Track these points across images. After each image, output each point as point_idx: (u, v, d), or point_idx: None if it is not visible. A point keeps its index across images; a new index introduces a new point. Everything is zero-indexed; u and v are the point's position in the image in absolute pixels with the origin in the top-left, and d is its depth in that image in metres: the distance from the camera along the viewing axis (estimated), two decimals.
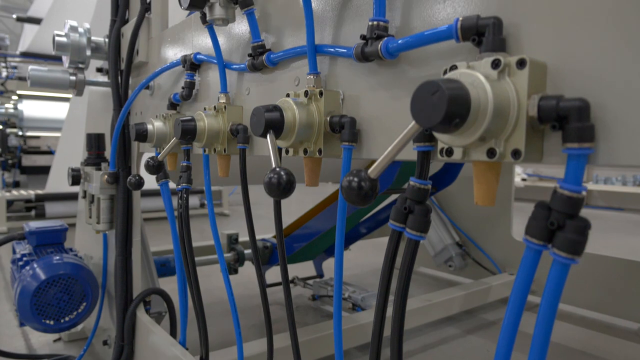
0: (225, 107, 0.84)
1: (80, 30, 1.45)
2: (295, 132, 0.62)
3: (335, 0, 0.66)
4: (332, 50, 0.64)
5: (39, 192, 3.89)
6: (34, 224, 1.58)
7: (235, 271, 2.16)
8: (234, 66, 0.86)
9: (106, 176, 1.36)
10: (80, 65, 1.47)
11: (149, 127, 1.05)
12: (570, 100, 0.39)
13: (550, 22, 0.42)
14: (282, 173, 0.56)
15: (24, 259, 1.49)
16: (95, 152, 1.46)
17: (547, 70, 0.43)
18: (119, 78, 1.37)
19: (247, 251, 2.19)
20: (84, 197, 1.49)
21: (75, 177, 1.49)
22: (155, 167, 0.97)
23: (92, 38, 1.46)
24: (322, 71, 0.68)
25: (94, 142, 1.46)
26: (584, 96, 0.39)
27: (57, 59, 4.53)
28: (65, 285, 1.40)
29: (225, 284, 0.95)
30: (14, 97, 4.55)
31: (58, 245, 1.59)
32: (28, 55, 4.35)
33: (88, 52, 1.43)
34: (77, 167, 1.50)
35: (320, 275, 2.52)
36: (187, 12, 1.13)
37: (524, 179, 6.51)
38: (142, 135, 1.04)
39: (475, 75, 0.41)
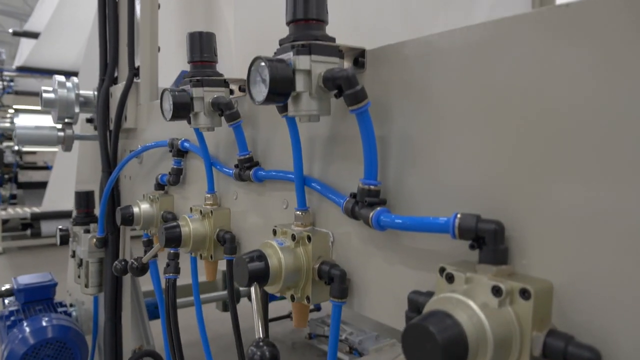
0: (211, 212, 0.80)
1: (69, 85, 1.40)
2: (282, 279, 0.58)
3: (323, 137, 0.61)
4: (320, 188, 0.60)
5: (35, 210, 3.85)
6: (23, 280, 1.54)
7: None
8: (224, 169, 0.81)
9: (95, 240, 1.32)
10: (69, 120, 1.42)
11: (135, 210, 1.01)
12: (580, 347, 0.35)
13: (559, 231, 0.38)
14: (266, 349, 0.52)
15: (12, 318, 1.45)
16: (84, 210, 1.42)
17: (552, 293, 0.38)
18: (108, 139, 1.33)
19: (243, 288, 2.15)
20: (73, 256, 1.45)
21: (64, 237, 1.45)
22: (139, 270, 0.92)
23: (81, 92, 1.42)
24: (312, 204, 0.63)
25: (83, 200, 1.42)
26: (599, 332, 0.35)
27: (55, 73, 4.48)
28: (54, 349, 1.37)
29: (199, 325, 0.88)
30: (10, 111, 4.51)
31: (47, 300, 1.55)
32: (24, 70, 4.30)
33: (77, 109, 1.39)
34: (66, 227, 1.46)
35: (317, 308, 2.48)
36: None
37: None
38: (128, 220, 1.00)
39: (473, 308, 0.37)
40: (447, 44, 0.47)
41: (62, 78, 1.40)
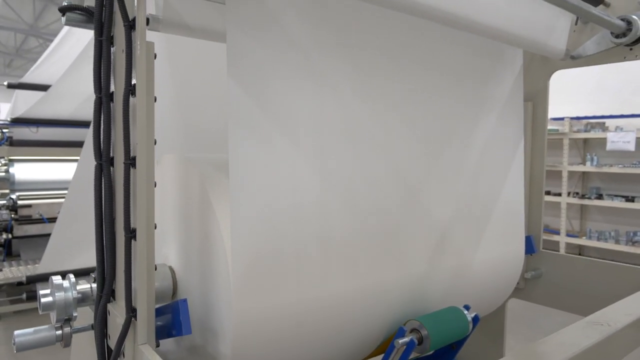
0: None
1: (66, 285, 1.42)
2: None
3: None
4: None
5: (30, 273, 3.88)
6: None
7: None
8: None
9: None
10: (67, 318, 1.45)
11: None
12: None
13: None
14: None
15: None
16: None
17: None
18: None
19: None
20: None
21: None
22: None
23: (79, 287, 1.44)
24: None
25: None
26: None
27: (55, 125, 4.47)
28: None
29: None
30: (4, 161, 4.51)
31: None
32: (22, 122, 4.30)
33: (75, 314, 1.41)
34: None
35: None
36: None
37: None
38: None
39: None
40: None
41: (59, 280, 1.42)
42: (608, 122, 5.80)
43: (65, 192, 4.61)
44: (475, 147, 1.58)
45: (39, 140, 4.58)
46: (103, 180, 0.99)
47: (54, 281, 1.45)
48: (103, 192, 1.00)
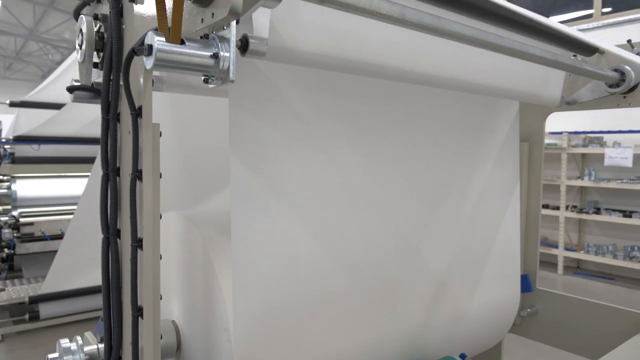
0: None
1: (74, 348, 1.45)
2: None
3: None
4: None
5: (33, 292, 3.90)
6: None
7: None
8: None
9: None
10: None
11: None
12: None
13: None
14: None
15: None
16: None
17: None
18: None
19: None
20: None
21: None
22: None
23: (85, 348, 1.47)
24: None
25: None
26: None
27: (58, 142, 4.50)
28: None
29: None
30: (6, 177, 4.53)
31: None
32: (24, 140, 4.33)
33: None
34: None
35: None
36: None
37: None
38: None
39: None
40: None
41: (66, 343, 1.45)
42: (606, 137, 5.84)
43: (67, 207, 4.66)
44: (472, 195, 1.61)
45: (41, 157, 4.60)
46: (110, 254, 1.03)
47: (62, 345, 1.47)
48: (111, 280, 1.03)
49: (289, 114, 1.14)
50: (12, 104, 4.32)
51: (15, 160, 4.52)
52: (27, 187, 4.66)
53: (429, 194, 1.46)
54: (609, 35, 5.72)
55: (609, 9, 6.19)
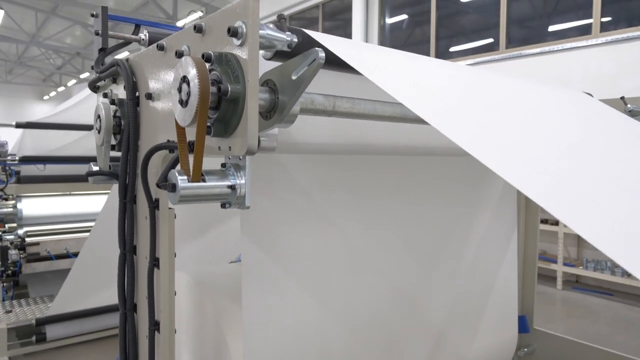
0: None
1: None
2: None
3: None
4: None
5: (40, 314, 3.95)
6: None
7: None
8: None
9: None
10: None
11: None
12: None
13: None
14: None
15: None
16: None
17: None
18: None
19: None
20: None
21: None
22: None
23: None
24: None
25: None
26: None
27: (64, 162, 4.56)
28: None
29: None
30: (11, 196, 4.60)
31: None
32: (30, 161, 4.40)
33: None
34: None
35: None
36: None
37: None
38: None
39: None
40: None
41: None
42: None
43: (72, 226, 4.71)
44: (471, 245, 1.67)
45: (47, 176, 4.67)
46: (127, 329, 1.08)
47: None
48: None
49: (295, 190, 1.21)
50: (18, 125, 4.39)
51: (20, 180, 4.60)
52: (32, 205, 4.74)
53: (427, 249, 1.52)
54: (608, 53, 5.76)
55: (608, 18, 6.12)
